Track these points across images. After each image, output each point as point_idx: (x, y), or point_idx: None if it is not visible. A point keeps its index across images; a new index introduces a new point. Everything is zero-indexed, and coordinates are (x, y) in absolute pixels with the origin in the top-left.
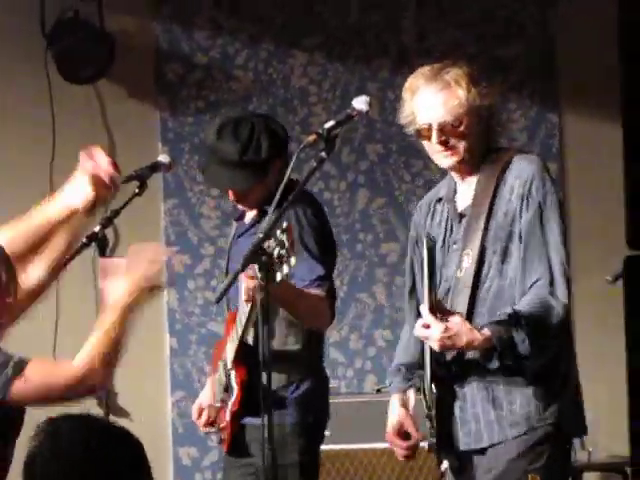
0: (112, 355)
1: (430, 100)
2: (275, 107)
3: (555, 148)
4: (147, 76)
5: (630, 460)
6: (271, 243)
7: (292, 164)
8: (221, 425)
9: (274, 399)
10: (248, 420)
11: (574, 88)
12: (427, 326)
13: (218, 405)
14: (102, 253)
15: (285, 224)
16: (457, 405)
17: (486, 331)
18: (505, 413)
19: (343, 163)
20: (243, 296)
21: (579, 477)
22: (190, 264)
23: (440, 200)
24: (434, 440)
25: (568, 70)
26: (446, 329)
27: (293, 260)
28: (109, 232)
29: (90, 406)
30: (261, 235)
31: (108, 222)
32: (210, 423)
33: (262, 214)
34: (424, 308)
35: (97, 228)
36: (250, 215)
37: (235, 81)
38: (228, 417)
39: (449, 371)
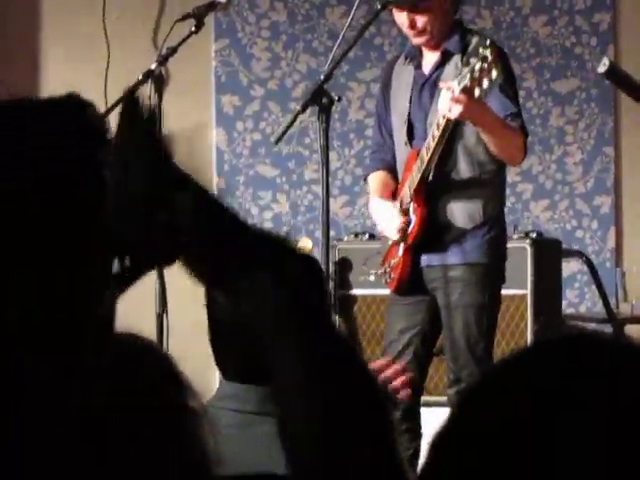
0: None
1: None
2: None
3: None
4: None
5: None
6: (472, 59)
7: (355, 8)
8: (392, 261)
9: (465, 237)
10: (425, 259)
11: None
12: None
13: (391, 241)
14: (158, 90)
15: (488, 41)
16: None
17: None
18: None
19: None
20: (440, 111)
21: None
22: (239, 105)
23: None
24: None
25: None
26: None
27: (494, 73)
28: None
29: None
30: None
31: (164, 60)
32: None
33: (445, 55)
34: None
35: (154, 65)
36: (430, 61)
37: None
38: (401, 251)
39: None
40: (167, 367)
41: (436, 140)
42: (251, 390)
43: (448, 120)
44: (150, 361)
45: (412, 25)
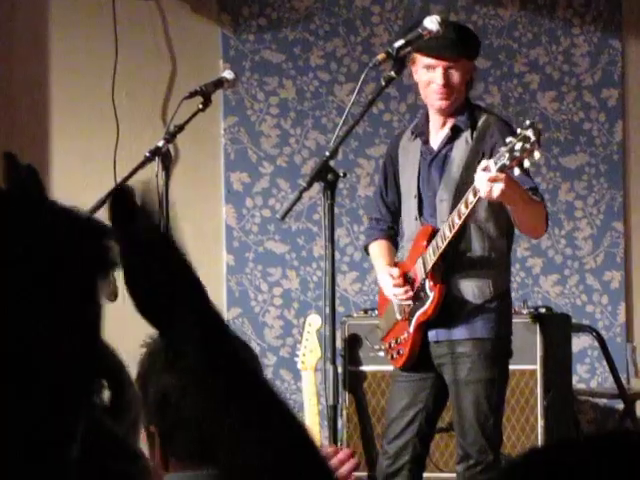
0: None
1: None
2: (337, 27)
3: (616, 75)
4: None
5: None
6: (512, 139)
7: (360, 83)
8: (401, 337)
9: (475, 313)
10: (434, 334)
11: (639, 14)
12: None
13: (399, 318)
14: (165, 168)
15: (533, 122)
16: None
17: None
18: None
19: (404, 85)
20: (477, 192)
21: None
22: (249, 182)
23: None
24: None
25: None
26: None
27: (537, 154)
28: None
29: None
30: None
31: (172, 137)
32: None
33: (454, 131)
34: None
35: (161, 143)
36: (439, 136)
37: (297, 0)
38: (412, 327)
39: None
40: None
41: (463, 218)
42: (198, 477)
43: (479, 199)
44: None
45: (446, 80)
